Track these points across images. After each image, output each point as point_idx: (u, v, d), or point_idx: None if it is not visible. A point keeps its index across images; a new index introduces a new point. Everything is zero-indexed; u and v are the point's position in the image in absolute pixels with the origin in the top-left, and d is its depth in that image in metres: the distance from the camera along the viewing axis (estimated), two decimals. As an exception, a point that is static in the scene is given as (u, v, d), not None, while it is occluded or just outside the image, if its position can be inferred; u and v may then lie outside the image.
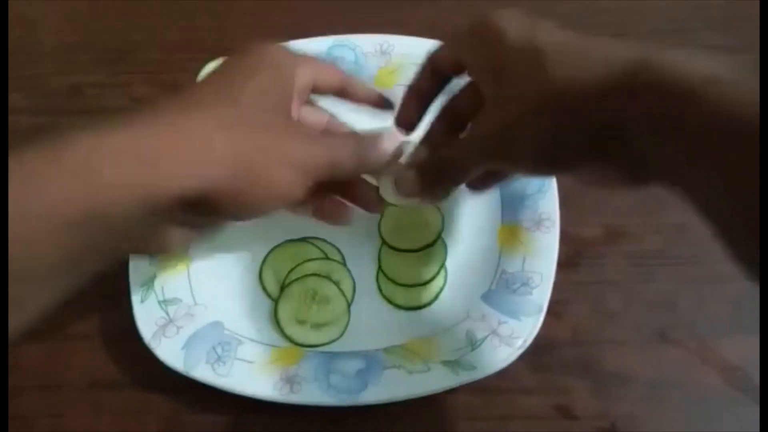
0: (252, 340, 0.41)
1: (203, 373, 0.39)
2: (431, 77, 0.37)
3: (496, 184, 0.40)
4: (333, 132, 0.39)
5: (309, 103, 0.38)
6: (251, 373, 0.40)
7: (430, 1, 0.56)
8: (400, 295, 0.43)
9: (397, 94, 0.45)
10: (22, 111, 0.53)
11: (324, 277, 0.42)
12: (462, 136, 0.37)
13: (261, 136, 0.31)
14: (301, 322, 0.42)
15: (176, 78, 0.52)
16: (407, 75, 0.49)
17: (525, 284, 0.41)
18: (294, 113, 0.35)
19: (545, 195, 0.44)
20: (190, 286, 0.43)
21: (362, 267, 0.44)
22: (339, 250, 0.44)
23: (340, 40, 0.51)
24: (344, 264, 0.44)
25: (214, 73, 0.35)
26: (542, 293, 0.41)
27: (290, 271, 0.43)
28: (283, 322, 0.41)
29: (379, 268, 0.43)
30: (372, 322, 0.42)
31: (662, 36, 0.53)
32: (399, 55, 0.50)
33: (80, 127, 0.27)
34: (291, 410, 0.39)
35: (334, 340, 0.41)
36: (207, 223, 0.34)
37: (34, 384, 0.42)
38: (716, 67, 0.25)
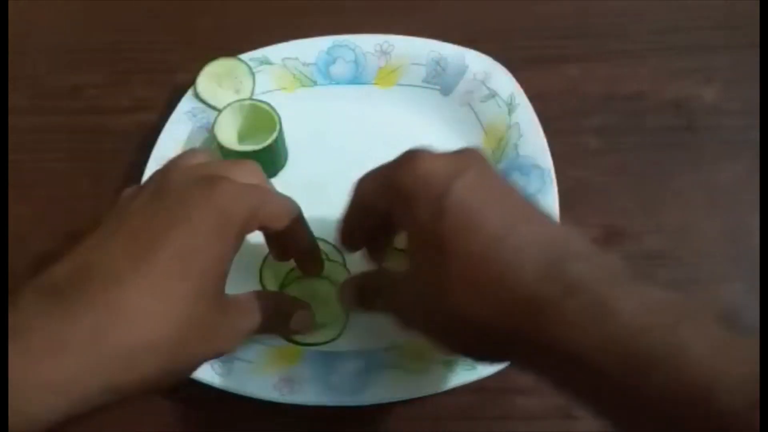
0: (252, 340, 0.41)
1: (203, 373, 0.39)
2: (362, 212, 0.36)
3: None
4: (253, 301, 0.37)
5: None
6: (251, 373, 0.40)
7: (430, 1, 0.56)
8: (400, 295, 0.43)
9: (397, 94, 0.45)
10: (22, 111, 0.53)
11: (324, 278, 0.42)
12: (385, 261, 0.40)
13: (205, 319, 0.30)
14: None
15: (176, 78, 0.52)
16: (407, 75, 0.50)
17: (525, 284, 0.41)
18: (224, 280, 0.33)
19: (545, 195, 0.44)
20: (190, 286, 0.43)
21: (362, 267, 0.44)
22: (340, 252, 0.44)
23: (340, 40, 0.51)
24: (344, 265, 0.44)
25: (143, 218, 0.31)
26: (542, 293, 0.41)
27: (290, 271, 0.43)
28: None
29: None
30: (372, 322, 0.42)
31: (662, 36, 0.53)
32: (399, 55, 0.50)
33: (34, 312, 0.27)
34: (291, 410, 0.39)
35: (330, 340, 0.41)
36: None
37: (34, 384, 0.42)
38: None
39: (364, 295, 0.38)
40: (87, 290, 0.28)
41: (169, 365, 0.29)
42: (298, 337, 0.41)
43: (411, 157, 0.31)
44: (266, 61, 0.50)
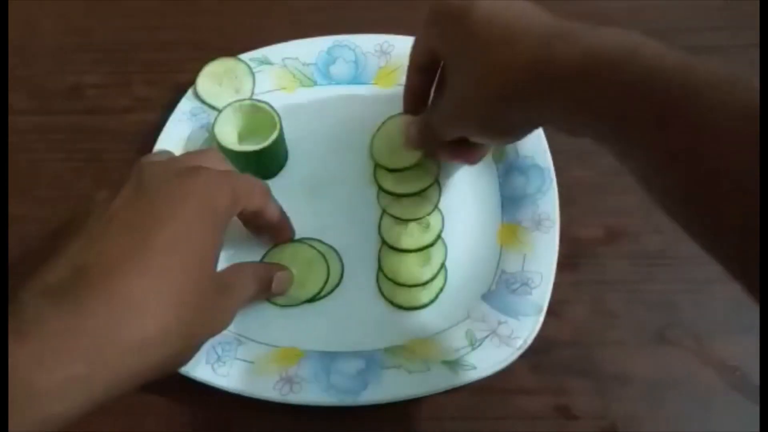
0: (252, 340, 0.41)
1: (203, 373, 0.40)
2: (418, 74, 0.42)
3: (477, 154, 0.43)
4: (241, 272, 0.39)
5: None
6: (251, 373, 0.40)
7: (430, 2, 0.56)
8: (400, 295, 0.43)
9: (397, 94, 0.45)
10: (22, 111, 0.53)
11: (304, 242, 0.44)
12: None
13: (191, 306, 0.31)
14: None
15: (176, 78, 0.52)
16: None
17: (525, 284, 0.41)
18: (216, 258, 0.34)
19: (545, 195, 0.44)
20: (190, 286, 0.43)
21: (362, 267, 0.44)
22: (336, 251, 0.44)
23: (340, 40, 0.51)
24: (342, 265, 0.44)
25: (127, 210, 0.32)
26: (542, 293, 0.41)
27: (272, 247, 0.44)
28: None
29: (379, 268, 0.43)
30: (372, 322, 0.42)
31: (662, 36, 0.53)
32: (399, 55, 0.50)
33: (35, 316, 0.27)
34: (291, 410, 0.39)
35: (313, 298, 0.42)
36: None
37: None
38: (633, 39, 0.29)
39: (420, 130, 0.42)
40: (91, 288, 0.28)
41: (178, 350, 0.30)
42: (281, 300, 0.42)
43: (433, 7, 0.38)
44: (266, 61, 0.50)
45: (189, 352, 0.32)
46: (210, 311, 0.33)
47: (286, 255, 0.44)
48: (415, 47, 0.41)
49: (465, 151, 0.42)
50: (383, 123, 0.47)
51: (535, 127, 0.37)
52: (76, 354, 0.26)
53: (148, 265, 0.29)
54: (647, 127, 0.26)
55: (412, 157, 0.45)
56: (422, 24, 0.39)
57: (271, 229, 0.42)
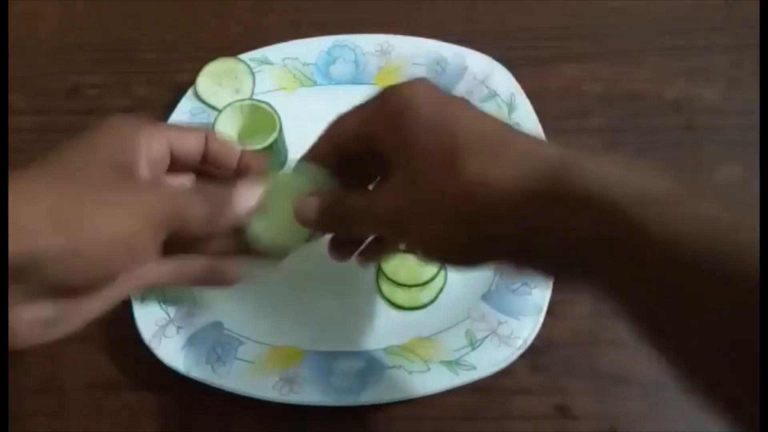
0: (252, 340, 0.41)
1: (203, 373, 0.40)
2: (331, 152, 0.33)
3: (382, 257, 0.39)
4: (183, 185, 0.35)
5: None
6: (251, 373, 0.40)
7: (430, 1, 0.56)
8: (400, 295, 0.43)
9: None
10: (22, 111, 0.53)
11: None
12: (369, 187, 0.35)
13: (88, 187, 0.28)
14: None
15: (176, 78, 0.52)
16: (407, 75, 0.50)
17: (525, 284, 0.41)
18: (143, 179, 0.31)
19: (545, 195, 0.44)
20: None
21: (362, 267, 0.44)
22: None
23: (340, 40, 0.51)
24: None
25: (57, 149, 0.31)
26: (542, 293, 0.41)
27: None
28: None
29: (379, 268, 0.43)
30: (372, 322, 0.42)
31: (662, 36, 0.53)
32: (399, 55, 0.50)
33: None
34: (291, 410, 0.39)
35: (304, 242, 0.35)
36: (63, 307, 0.28)
37: (34, 385, 0.42)
38: (640, 180, 0.24)
39: (332, 214, 0.32)
40: None
41: (56, 236, 0.26)
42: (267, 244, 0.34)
43: (387, 90, 0.30)
44: (266, 61, 0.50)
45: (78, 249, 0.27)
46: (109, 193, 0.29)
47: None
48: (341, 123, 0.32)
49: (372, 249, 0.36)
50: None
51: (495, 262, 0.30)
52: None
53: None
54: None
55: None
56: (359, 104, 0.32)
57: (235, 167, 0.35)
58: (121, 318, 0.41)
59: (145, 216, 0.29)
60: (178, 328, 0.41)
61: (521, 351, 0.39)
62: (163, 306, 0.42)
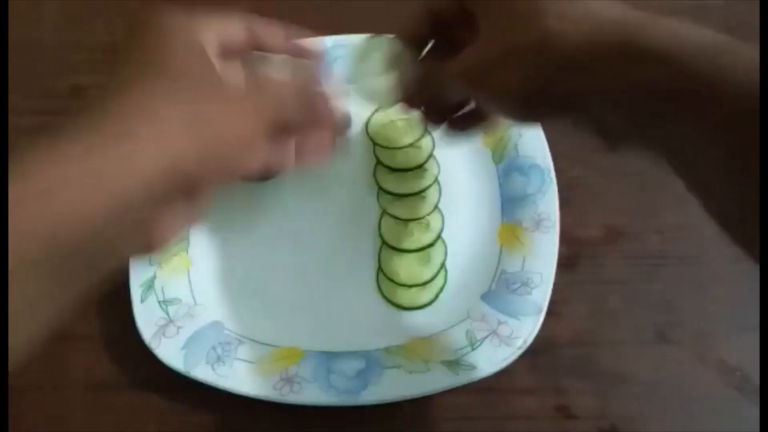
0: (252, 340, 0.41)
1: (203, 373, 0.40)
2: (426, 22, 0.38)
3: (474, 130, 0.39)
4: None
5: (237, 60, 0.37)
6: (251, 373, 0.40)
7: (430, 1, 0.56)
8: (400, 295, 0.43)
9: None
10: (22, 111, 0.53)
11: None
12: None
13: (203, 96, 0.30)
14: None
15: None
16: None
17: (525, 284, 0.41)
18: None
19: (545, 195, 0.44)
20: (190, 286, 0.43)
21: (362, 267, 0.44)
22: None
23: (340, 40, 0.51)
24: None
25: (123, 54, 0.34)
26: (542, 293, 0.41)
27: None
28: None
29: (379, 268, 0.44)
30: (372, 322, 0.42)
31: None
32: (399, 55, 0.50)
33: (29, 150, 0.27)
34: (291, 410, 0.39)
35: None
36: (189, 204, 0.31)
37: (34, 384, 0.42)
38: (706, 36, 0.27)
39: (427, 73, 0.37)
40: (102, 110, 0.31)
41: (197, 142, 0.29)
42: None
43: None
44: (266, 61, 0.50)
45: (212, 152, 0.29)
46: (220, 97, 0.31)
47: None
48: None
49: (466, 119, 0.39)
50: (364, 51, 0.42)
51: (567, 115, 0.32)
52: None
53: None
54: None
55: (413, 156, 0.44)
56: None
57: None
58: (121, 318, 0.41)
59: (255, 111, 0.31)
60: (178, 328, 0.41)
61: (521, 351, 0.39)
62: (163, 306, 0.42)
